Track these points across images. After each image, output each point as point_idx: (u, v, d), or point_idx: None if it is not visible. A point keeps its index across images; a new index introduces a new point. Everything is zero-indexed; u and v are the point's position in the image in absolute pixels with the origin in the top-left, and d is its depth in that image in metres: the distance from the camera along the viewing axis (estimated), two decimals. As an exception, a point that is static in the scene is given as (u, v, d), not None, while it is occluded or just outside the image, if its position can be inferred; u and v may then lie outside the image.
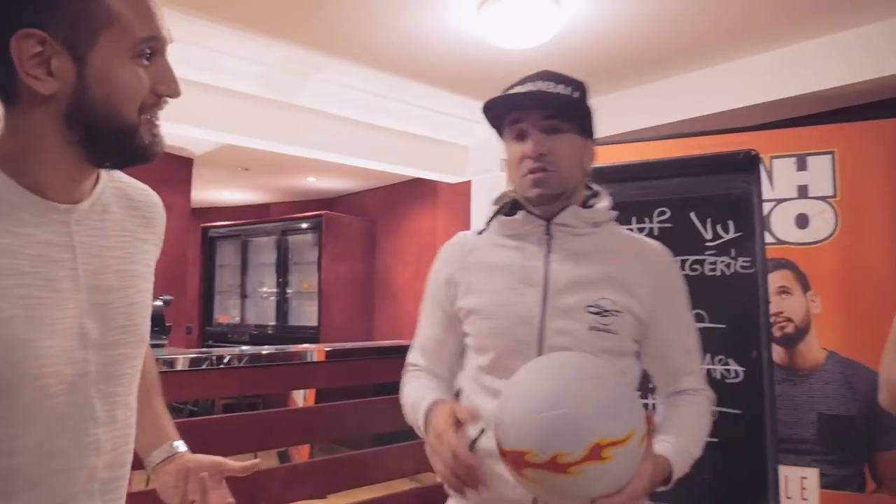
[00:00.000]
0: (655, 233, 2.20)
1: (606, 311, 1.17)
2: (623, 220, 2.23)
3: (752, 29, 2.87)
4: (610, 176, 2.33)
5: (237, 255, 6.76)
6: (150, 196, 0.99)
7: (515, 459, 0.97)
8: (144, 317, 0.93)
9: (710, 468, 2.06)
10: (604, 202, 1.28)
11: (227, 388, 2.50)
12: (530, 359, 1.12)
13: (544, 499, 1.07)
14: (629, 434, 0.96)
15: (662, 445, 1.13)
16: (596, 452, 0.93)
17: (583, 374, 1.01)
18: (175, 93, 0.84)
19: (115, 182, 0.92)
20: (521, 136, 1.21)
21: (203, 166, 5.43)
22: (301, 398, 5.01)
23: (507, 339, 1.18)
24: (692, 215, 2.16)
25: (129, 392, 0.91)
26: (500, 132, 1.28)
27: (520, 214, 1.25)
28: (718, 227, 2.13)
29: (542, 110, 1.19)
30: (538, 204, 1.22)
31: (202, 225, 6.89)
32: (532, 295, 1.19)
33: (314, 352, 2.62)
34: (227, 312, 6.89)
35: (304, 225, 6.08)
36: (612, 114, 3.69)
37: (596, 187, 1.33)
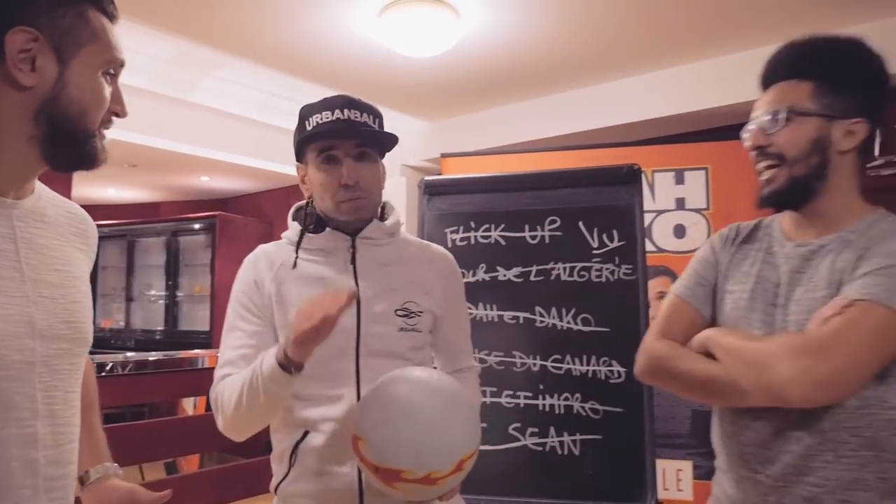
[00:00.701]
0: (547, 241, 2.30)
1: (412, 312, 1.30)
2: (516, 227, 2.33)
3: (639, 52, 3.05)
4: (504, 185, 2.42)
5: (122, 257, 6.40)
6: (83, 211, 1.06)
7: (389, 475, 1.08)
8: (87, 317, 0.97)
9: (593, 463, 2.18)
10: (395, 212, 1.40)
11: (109, 397, 2.38)
12: (348, 362, 1.25)
13: (403, 500, 1.16)
14: (478, 445, 1.16)
15: None
16: (459, 466, 1.11)
17: (450, 398, 1.14)
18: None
19: (48, 193, 0.99)
20: (331, 161, 1.27)
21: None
22: (192, 406, 4.83)
23: (328, 347, 1.17)
24: (580, 224, 2.27)
25: (68, 389, 0.93)
26: (299, 154, 1.34)
27: (327, 232, 1.32)
28: (604, 236, 2.25)
29: (355, 139, 1.27)
30: (352, 225, 1.31)
31: (84, 224, 6.47)
32: None
33: (205, 357, 2.55)
34: (110, 317, 6.52)
35: (197, 226, 5.85)
36: (508, 124, 3.82)
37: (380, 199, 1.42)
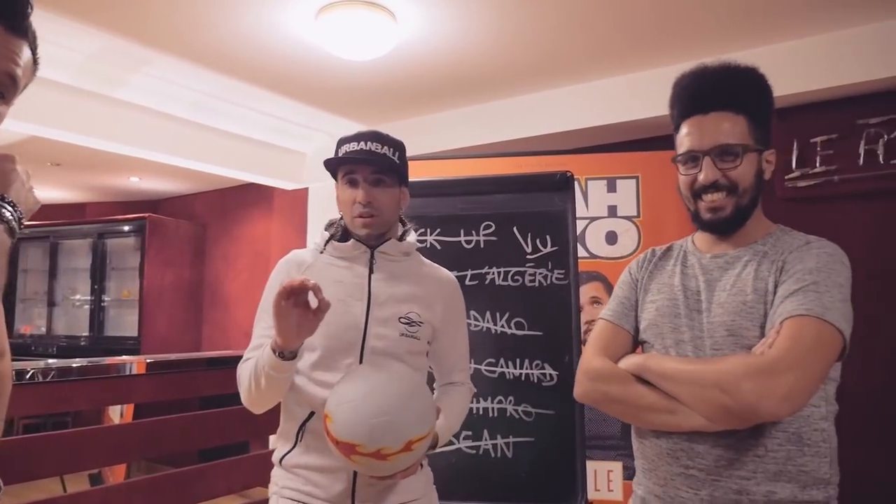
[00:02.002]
0: (482, 245, 2.33)
1: (413, 321, 1.50)
2: (451, 231, 2.36)
3: (574, 62, 3.13)
4: (440, 190, 2.44)
5: (45, 259, 6.12)
6: None
7: (347, 448, 1.26)
8: None
9: (526, 464, 2.22)
10: (412, 236, 1.62)
11: (29, 405, 2.27)
12: (354, 356, 1.45)
13: (361, 472, 1.37)
14: (429, 431, 1.32)
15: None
16: (408, 446, 1.26)
17: (403, 386, 1.32)
18: None
19: None
20: (352, 184, 1.50)
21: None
22: (118, 415, 4.66)
23: (337, 340, 1.45)
24: (515, 230, 2.31)
25: None
26: (334, 175, 1.56)
27: (350, 242, 1.53)
28: (538, 242, 2.30)
29: (372, 166, 1.48)
30: (373, 240, 1.53)
31: (2, 225, 6.15)
32: (359, 307, 1.48)
33: (133, 364, 2.47)
34: (30, 322, 6.22)
35: (126, 227, 5.65)
36: (444, 130, 3.85)
37: (407, 223, 1.65)
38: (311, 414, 1.45)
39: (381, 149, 1.49)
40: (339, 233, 1.57)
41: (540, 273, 2.28)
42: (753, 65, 1.29)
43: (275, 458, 1.53)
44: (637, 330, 1.36)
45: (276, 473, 1.52)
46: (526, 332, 2.26)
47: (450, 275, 1.65)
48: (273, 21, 2.73)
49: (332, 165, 1.52)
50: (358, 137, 1.50)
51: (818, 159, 2.95)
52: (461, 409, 1.60)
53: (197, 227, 5.91)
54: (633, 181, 3.01)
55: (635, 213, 3.00)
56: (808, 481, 1.14)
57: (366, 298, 1.49)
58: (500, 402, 2.25)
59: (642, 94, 3.23)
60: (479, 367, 2.28)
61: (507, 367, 2.27)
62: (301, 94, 3.62)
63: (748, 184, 1.24)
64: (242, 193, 5.58)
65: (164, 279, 5.56)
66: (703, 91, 1.29)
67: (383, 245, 1.54)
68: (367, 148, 1.48)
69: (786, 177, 3.01)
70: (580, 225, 2.89)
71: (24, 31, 0.90)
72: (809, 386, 1.08)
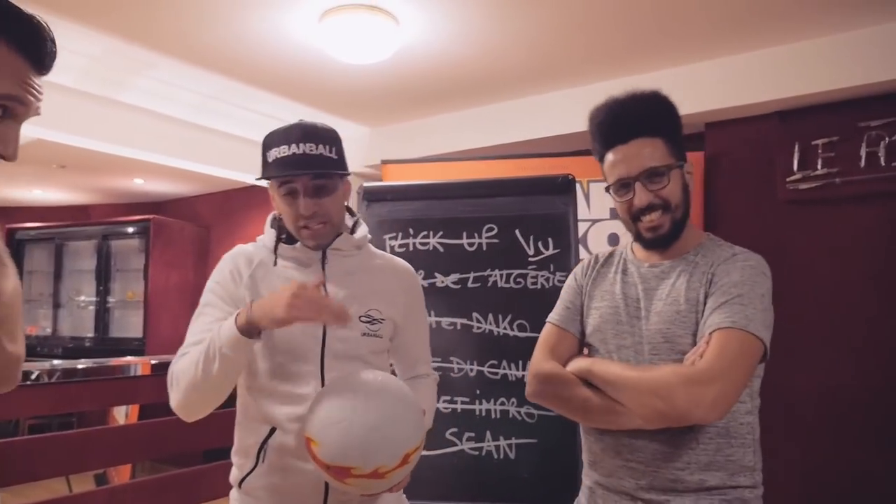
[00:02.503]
0: (484, 248, 2.34)
1: (375, 319, 1.40)
2: (454, 234, 2.37)
3: (576, 64, 3.14)
4: (442, 193, 2.45)
5: (50, 261, 6.15)
6: None
7: (341, 472, 1.16)
8: None
9: (529, 466, 2.23)
10: (363, 227, 1.49)
11: (34, 406, 2.29)
12: (314, 363, 1.33)
13: (357, 495, 1.26)
14: (422, 439, 1.24)
15: None
16: (405, 459, 1.18)
17: (393, 398, 1.22)
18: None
19: None
20: (292, 194, 1.33)
21: (9, 161, 4.91)
22: (123, 415, 4.68)
23: (295, 347, 1.33)
24: (517, 232, 2.32)
25: None
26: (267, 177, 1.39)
27: (299, 245, 1.40)
28: (539, 244, 2.31)
29: (310, 172, 1.31)
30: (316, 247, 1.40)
31: (8, 226, 6.19)
32: None
33: (138, 365, 2.49)
34: (36, 323, 6.25)
35: (130, 229, 5.68)
36: (448, 132, 3.86)
37: (355, 214, 1.53)
38: (273, 430, 1.31)
39: (317, 149, 1.30)
40: (286, 233, 1.43)
41: (542, 275, 2.29)
42: (656, 88, 1.39)
43: (233, 479, 1.39)
44: (583, 333, 1.45)
45: (235, 497, 1.38)
46: (528, 334, 2.28)
47: (405, 264, 1.54)
48: (276, 24, 2.75)
49: (269, 175, 1.34)
50: (288, 139, 1.30)
51: (819, 162, 2.95)
52: (432, 402, 1.54)
53: (201, 228, 5.93)
54: (635, 183, 3.02)
55: (637, 215, 3.01)
56: (736, 469, 1.26)
57: None
58: (502, 403, 2.27)
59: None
60: (481, 368, 2.30)
61: (510, 369, 2.28)
62: (304, 97, 3.64)
63: (678, 199, 1.34)
64: (246, 195, 5.59)
65: (169, 280, 5.58)
66: (620, 121, 1.37)
67: (335, 241, 1.40)
68: (301, 151, 1.29)
69: (787, 179, 3.01)
70: (582, 227, 2.90)
71: (48, 71, 0.95)
72: (734, 393, 1.19)
